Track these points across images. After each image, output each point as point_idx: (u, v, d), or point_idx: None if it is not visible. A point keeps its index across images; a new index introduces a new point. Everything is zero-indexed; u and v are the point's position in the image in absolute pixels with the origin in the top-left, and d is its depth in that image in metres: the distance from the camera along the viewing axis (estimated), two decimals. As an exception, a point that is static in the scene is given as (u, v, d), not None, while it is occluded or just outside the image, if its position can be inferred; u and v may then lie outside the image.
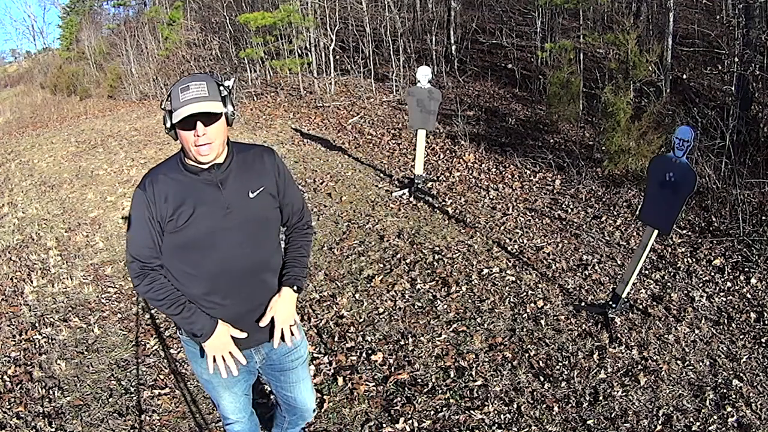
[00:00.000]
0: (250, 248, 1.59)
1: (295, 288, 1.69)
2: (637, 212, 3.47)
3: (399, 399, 2.61)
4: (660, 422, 2.40)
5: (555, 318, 3.22)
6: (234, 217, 1.56)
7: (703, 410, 2.46)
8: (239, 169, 1.59)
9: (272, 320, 1.65)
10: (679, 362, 2.78)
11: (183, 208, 1.51)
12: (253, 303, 1.65)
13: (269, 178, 1.63)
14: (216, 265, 1.56)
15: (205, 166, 1.54)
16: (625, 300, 3.20)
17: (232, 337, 1.61)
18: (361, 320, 3.30)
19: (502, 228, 4.49)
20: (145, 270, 1.56)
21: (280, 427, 2.07)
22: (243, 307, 1.63)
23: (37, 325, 3.45)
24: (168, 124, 1.50)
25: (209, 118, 1.46)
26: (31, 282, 4.02)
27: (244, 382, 1.78)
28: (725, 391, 2.56)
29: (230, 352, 1.60)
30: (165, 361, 3.01)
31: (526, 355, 2.90)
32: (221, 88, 1.52)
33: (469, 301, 3.45)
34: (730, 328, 3.04)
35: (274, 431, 2.14)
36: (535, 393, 2.62)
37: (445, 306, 3.39)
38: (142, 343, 3.19)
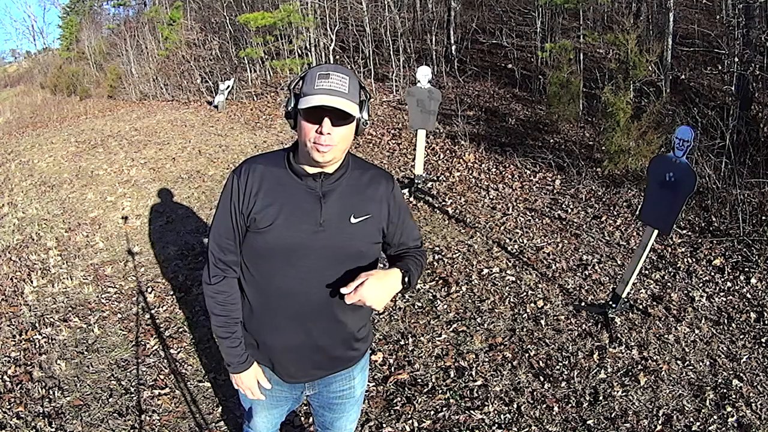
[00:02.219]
0: (330, 278, 1.37)
1: (404, 274, 1.35)
2: (637, 212, 3.47)
3: (399, 399, 2.61)
4: (660, 422, 2.40)
5: (555, 318, 3.22)
6: (324, 239, 1.34)
7: (703, 410, 2.46)
8: (349, 188, 1.39)
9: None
10: (679, 362, 2.78)
11: (270, 210, 1.34)
12: (316, 339, 1.44)
13: (379, 208, 1.42)
14: (285, 286, 1.38)
15: (312, 171, 1.35)
16: (625, 300, 3.20)
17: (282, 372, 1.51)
18: (361, 320, 3.30)
19: (502, 228, 4.49)
20: (219, 268, 1.42)
21: None
22: (302, 339, 1.44)
23: (37, 325, 3.45)
24: (290, 108, 1.33)
25: (340, 118, 1.26)
26: (31, 282, 4.02)
27: (285, 407, 1.66)
28: (725, 391, 2.57)
29: (251, 392, 1.52)
30: (165, 361, 3.01)
31: (526, 355, 2.90)
32: (362, 91, 1.33)
33: (469, 301, 3.45)
34: (730, 328, 3.04)
35: None
36: (535, 393, 2.62)
37: (445, 306, 3.39)
38: (142, 343, 3.19)
